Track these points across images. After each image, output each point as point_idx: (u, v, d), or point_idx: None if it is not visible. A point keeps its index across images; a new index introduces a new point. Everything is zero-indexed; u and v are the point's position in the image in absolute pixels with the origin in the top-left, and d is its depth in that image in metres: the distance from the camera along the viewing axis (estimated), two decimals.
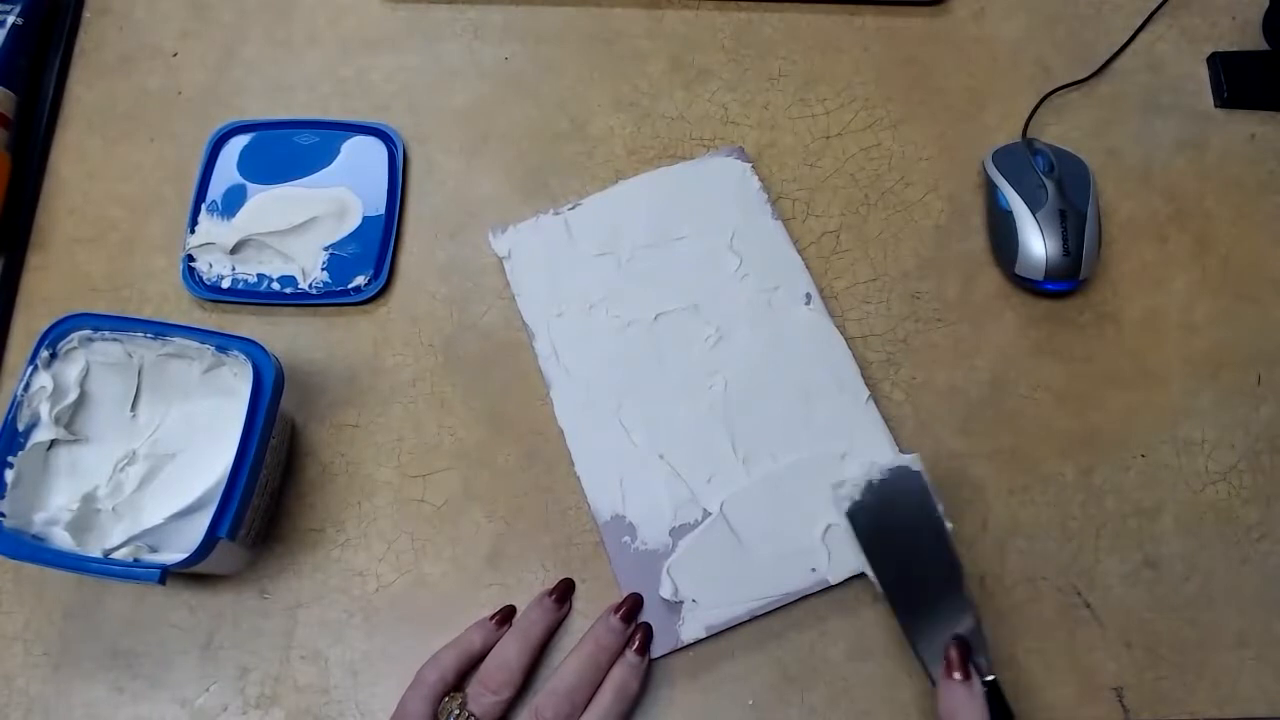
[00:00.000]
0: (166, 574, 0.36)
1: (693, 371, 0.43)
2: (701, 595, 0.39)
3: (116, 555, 0.38)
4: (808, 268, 0.45)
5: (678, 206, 0.46)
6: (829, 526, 0.40)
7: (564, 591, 0.40)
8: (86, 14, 0.53)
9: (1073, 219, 0.44)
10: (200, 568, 0.38)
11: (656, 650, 0.39)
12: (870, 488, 0.39)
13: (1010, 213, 0.45)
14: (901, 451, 0.42)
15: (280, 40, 0.52)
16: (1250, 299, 0.46)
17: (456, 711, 0.37)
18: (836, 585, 0.40)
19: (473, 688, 0.38)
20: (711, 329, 0.44)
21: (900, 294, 0.45)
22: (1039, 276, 0.44)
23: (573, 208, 0.46)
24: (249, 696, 0.40)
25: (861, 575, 0.39)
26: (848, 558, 0.40)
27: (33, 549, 0.37)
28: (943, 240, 0.47)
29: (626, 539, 0.40)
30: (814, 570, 0.40)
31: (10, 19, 0.50)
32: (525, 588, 0.41)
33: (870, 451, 0.41)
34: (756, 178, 0.47)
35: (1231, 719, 0.39)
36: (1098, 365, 0.44)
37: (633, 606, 0.39)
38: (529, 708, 0.37)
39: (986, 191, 0.47)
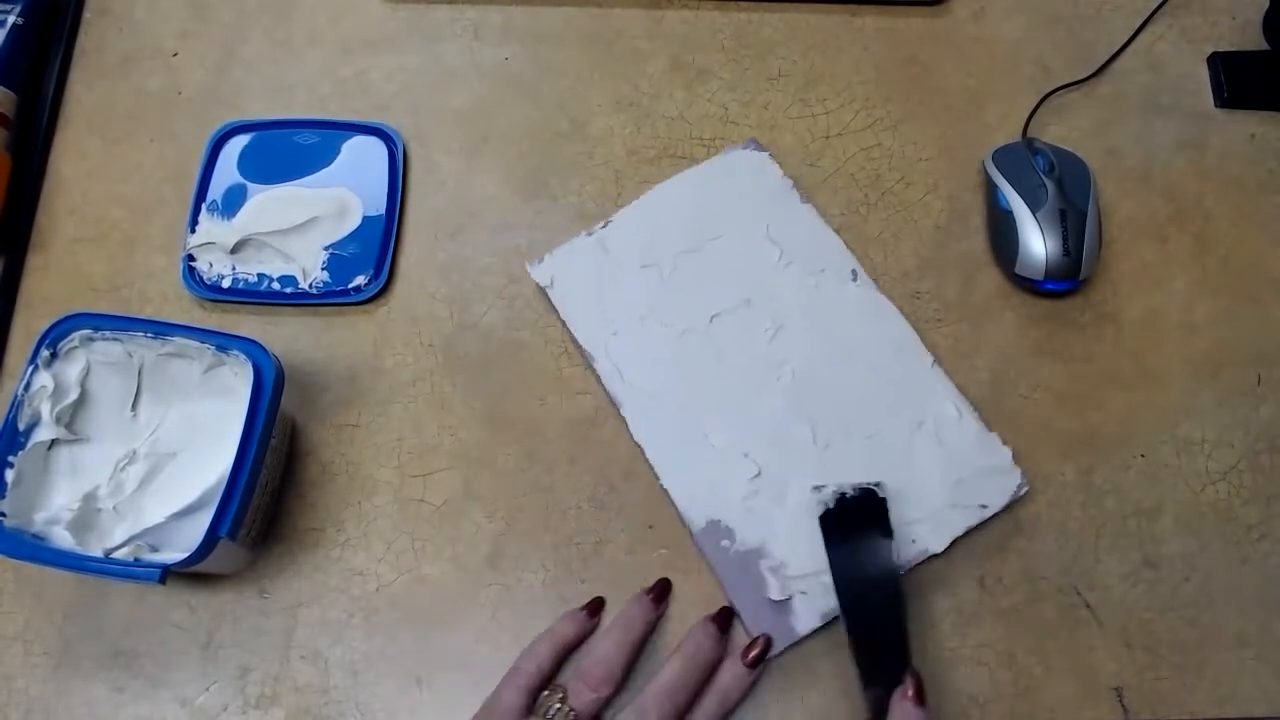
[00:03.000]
0: (167, 573, 0.36)
1: (757, 366, 0.43)
2: (809, 584, 0.39)
3: (117, 555, 0.38)
4: (846, 245, 0.45)
5: (707, 207, 0.46)
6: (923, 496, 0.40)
7: (661, 591, 0.40)
8: (87, 14, 0.53)
9: (1073, 219, 0.44)
10: (201, 567, 0.38)
11: (774, 649, 0.38)
12: (842, 500, 0.39)
13: (1010, 212, 0.45)
14: (976, 411, 0.42)
15: (280, 40, 0.52)
16: (1250, 299, 0.46)
17: (558, 706, 0.36)
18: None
19: (573, 683, 0.37)
20: (767, 321, 0.44)
21: (900, 294, 0.45)
22: (1039, 276, 0.44)
23: (604, 226, 0.46)
24: (249, 696, 0.40)
25: None
26: (947, 526, 0.40)
27: (33, 548, 0.37)
28: (943, 240, 0.47)
29: (725, 543, 0.40)
30: (914, 541, 0.40)
31: (10, 19, 0.50)
32: (525, 588, 0.41)
33: (943, 414, 0.42)
34: (777, 165, 0.47)
35: (1231, 719, 0.39)
36: (1098, 365, 0.44)
37: (725, 616, 0.39)
38: (634, 708, 0.36)
39: (986, 191, 0.47)
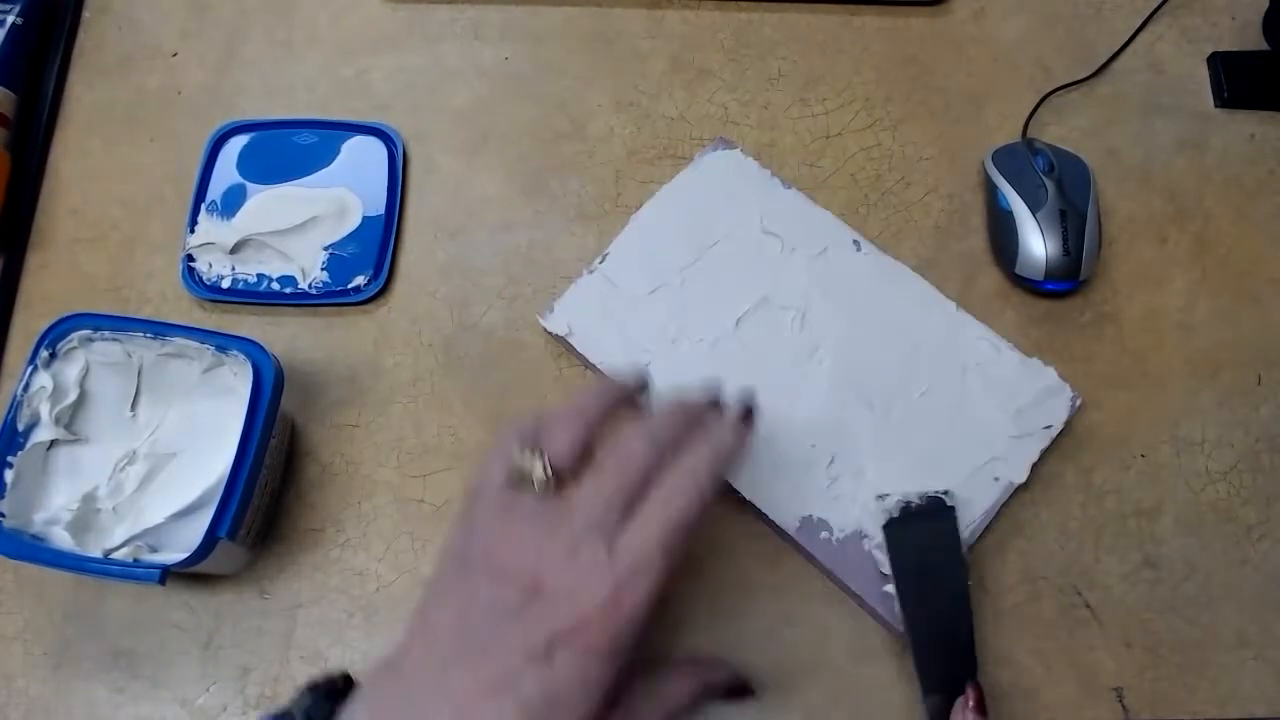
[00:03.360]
0: (166, 574, 0.36)
1: (794, 356, 0.43)
2: None
3: (116, 555, 0.38)
4: (840, 218, 0.46)
5: (697, 217, 0.46)
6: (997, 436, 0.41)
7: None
8: (86, 14, 0.53)
9: (1073, 219, 0.44)
10: (200, 568, 0.38)
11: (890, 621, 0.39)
12: (907, 509, 0.39)
13: (1010, 213, 0.45)
14: (1009, 341, 0.43)
15: (280, 40, 0.52)
16: (1251, 299, 0.46)
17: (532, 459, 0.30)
18: (838, 590, 0.40)
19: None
20: (791, 311, 0.44)
21: None
22: (1039, 276, 0.44)
23: (602, 261, 0.45)
24: (249, 696, 0.40)
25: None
26: (1022, 456, 0.41)
27: (33, 549, 0.37)
28: (943, 240, 0.47)
29: (824, 535, 0.40)
30: (997, 479, 0.41)
31: (10, 19, 0.50)
32: None
33: (982, 354, 0.43)
34: (750, 158, 0.47)
35: (1232, 719, 0.39)
36: (1098, 365, 0.44)
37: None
38: (591, 469, 0.30)
39: (986, 191, 0.47)
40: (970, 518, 0.40)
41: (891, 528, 0.39)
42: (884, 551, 0.39)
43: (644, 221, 0.46)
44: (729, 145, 0.48)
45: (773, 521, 0.41)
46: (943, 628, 0.38)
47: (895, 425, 0.42)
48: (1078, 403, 0.42)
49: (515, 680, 0.26)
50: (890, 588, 0.38)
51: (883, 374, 0.43)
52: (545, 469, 0.30)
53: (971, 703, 0.35)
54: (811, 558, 0.40)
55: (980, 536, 0.41)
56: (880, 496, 0.40)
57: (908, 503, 0.39)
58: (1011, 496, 0.41)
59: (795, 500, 0.41)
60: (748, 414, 0.34)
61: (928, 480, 0.40)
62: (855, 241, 0.45)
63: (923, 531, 0.39)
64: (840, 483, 0.41)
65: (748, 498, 0.41)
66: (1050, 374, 0.42)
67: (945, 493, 0.40)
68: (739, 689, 0.33)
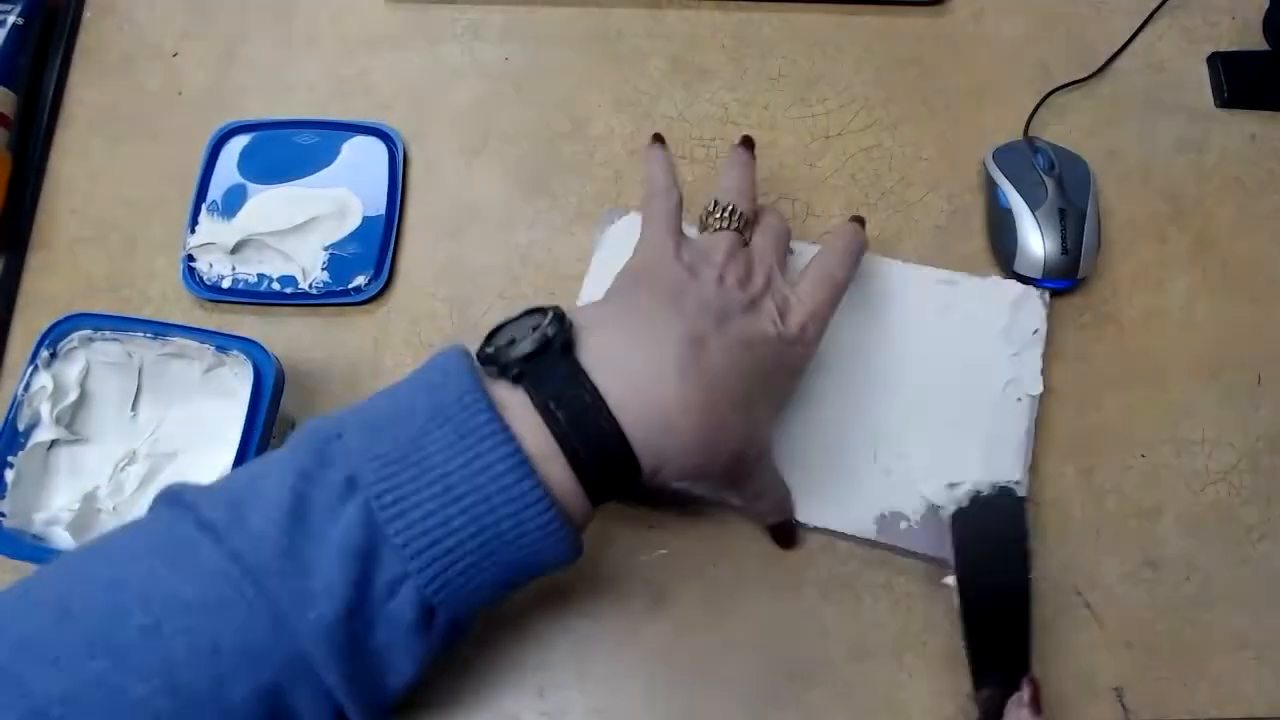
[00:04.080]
0: None
1: (821, 378, 0.42)
2: None
3: None
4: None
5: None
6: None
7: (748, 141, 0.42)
8: (87, 14, 0.54)
9: (1072, 217, 0.44)
10: None
11: None
12: (976, 499, 0.39)
13: (1009, 210, 0.45)
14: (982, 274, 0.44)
15: (281, 40, 0.52)
16: (1251, 299, 0.46)
17: (722, 215, 0.38)
18: (837, 588, 0.40)
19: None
20: None
21: None
22: (1037, 274, 0.44)
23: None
24: None
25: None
26: (1029, 366, 0.42)
27: (33, 549, 0.37)
28: (943, 240, 0.47)
29: (904, 524, 0.40)
30: (1020, 400, 0.42)
31: (11, 19, 0.51)
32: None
33: (951, 294, 0.44)
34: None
35: (1232, 719, 0.39)
36: (1097, 365, 0.44)
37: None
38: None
39: (987, 190, 0.47)
40: (1016, 445, 0.41)
41: (959, 517, 0.39)
42: (950, 539, 0.39)
43: (591, 289, 0.45)
44: (619, 212, 0.46)
45: (850, 536, 0.40)
46: (1002, 621, 0.38)
47: (912, 395, 0.42)
48: (1047, 299, 0.43)
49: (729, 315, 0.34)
50: (951, 579, 0.38)
51: (878, 353, 0.43)
52: (734, 207, 0.38)
53: (1028, 698, 0.35)
54: (907, 552, 0.40)
55: None
56: (951, 485, 0.40)
57: (977, 492, 0.39)
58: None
59: (860, 507, 0.40)
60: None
61: (963, 436, 0.41)
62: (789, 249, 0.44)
63: (990, 521, 0.39)
64: (893, 473, 0.41)
65: (816, 525, 0.40)
66: (1012, 284, 0.44)
67: (1016, 483, 0.40)
68: (784, 530, 0.40)
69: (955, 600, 0.38)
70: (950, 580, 0.38)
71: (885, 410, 0.42)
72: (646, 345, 0.32)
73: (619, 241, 0.45)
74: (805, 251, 0.44)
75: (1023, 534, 0.39)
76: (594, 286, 0.45)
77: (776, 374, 0.36)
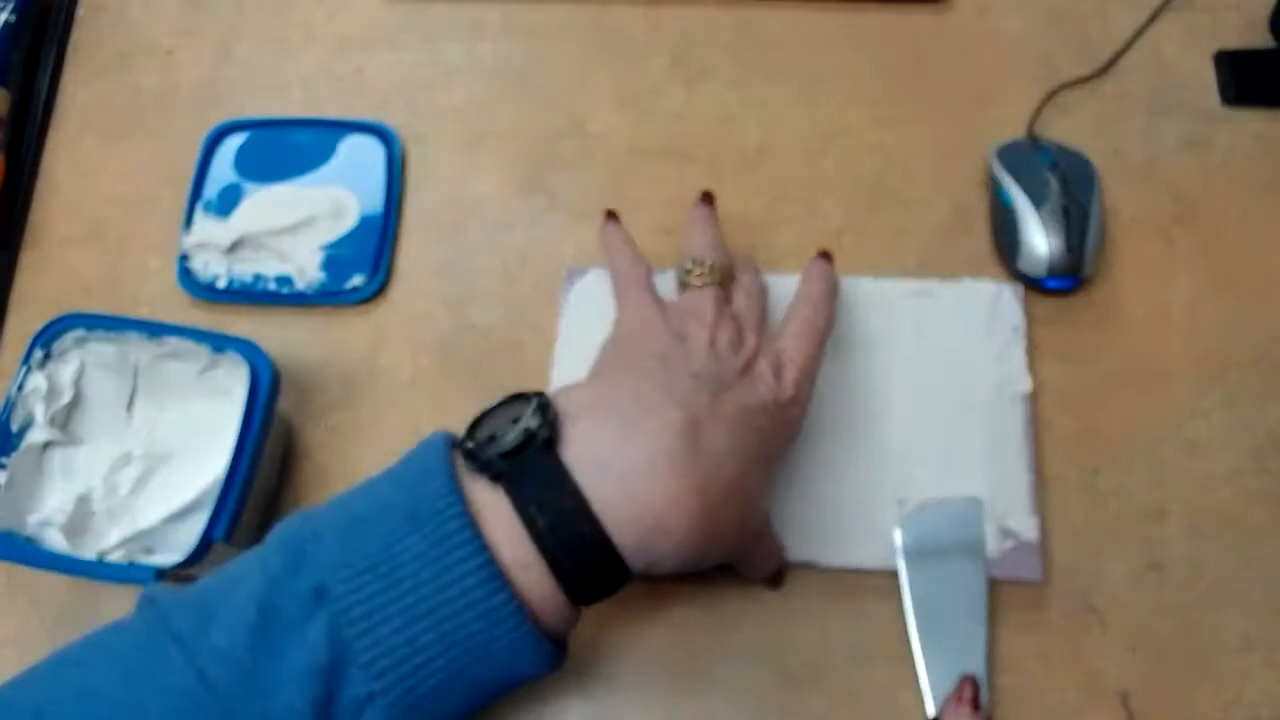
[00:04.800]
0: (161, 576, 0.36)
1: (805, 429, 0.40)
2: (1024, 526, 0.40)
3: (111, 557, 0.38)
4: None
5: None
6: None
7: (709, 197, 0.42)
8: (80, 11, 0.53)
9: (1076, 215, 0.44)
10: (196, 570, 0.37)
11: (1030, 572, 0.39)
12: (924, 509, 0.39)
13: (1013, 208, 0.44)
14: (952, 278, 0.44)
15: (276, 38, 0.52)
16: (1256, 298, 0.45)
17: (701, 270, 0.38)
18: (839, 591, 0.40)
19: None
20: None
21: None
22: (1040, 273, 0.44)
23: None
24: None
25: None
26: (1014, 362, 0.42)
27: (26, 551, 0.37)
28: (946, 239, 0.47)
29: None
30: (1012, 398, 0.42)
31: (3, 16, 0.50)
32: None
33: (925, 305, 0.43)
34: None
35: None
36: (1101, 365, 0.44)
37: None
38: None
39: (990, 188, 0.47)
40: (1017, 446, 0.41)
41: (909, 528, 0.39)
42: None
43: (564, 350, 0.44)
44: (581, 272, 0.45)
45: (875, 570, 0.40)
46: (953, 629, 0.37)
47: (905, 415, 0.41)
48: (1020, 292, 0.43)
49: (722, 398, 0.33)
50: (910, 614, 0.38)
51: (865, 379, 0.42)
52: (714, 263, 0.38)
53: (967, 696, 0.35)
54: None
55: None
56: (900, 501, 0.39)
57: (925, 505, 0.39)
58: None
59: (878, 539, 0.40)
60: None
61: (964, 446, 0.41)
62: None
63: (943, 532, 0.39)
64: (902, 497, 0.40)
65: (837, 566, 0.40)
66: (985, 285, 0.44)
67: (973, 499, 0.39)
68: (776, 576, 0.40)
69: (909, 603, 0.38)
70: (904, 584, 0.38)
71: (882, 436, 0.41)
72: (636, 438, 0.30)
73: (585, 302, 0.44)
74: (775, 283, 0.42)
75: (977, 540, 0.39)
76: (565, 351, 0.44)
77: (774, 440, 0.35)
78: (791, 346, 0.36)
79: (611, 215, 0.41)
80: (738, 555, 0.35)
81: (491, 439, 0.30)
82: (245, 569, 0.29)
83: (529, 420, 0.30)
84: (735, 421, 0.32)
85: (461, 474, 0.30)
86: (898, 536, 0.39)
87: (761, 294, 0.39)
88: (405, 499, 0.29)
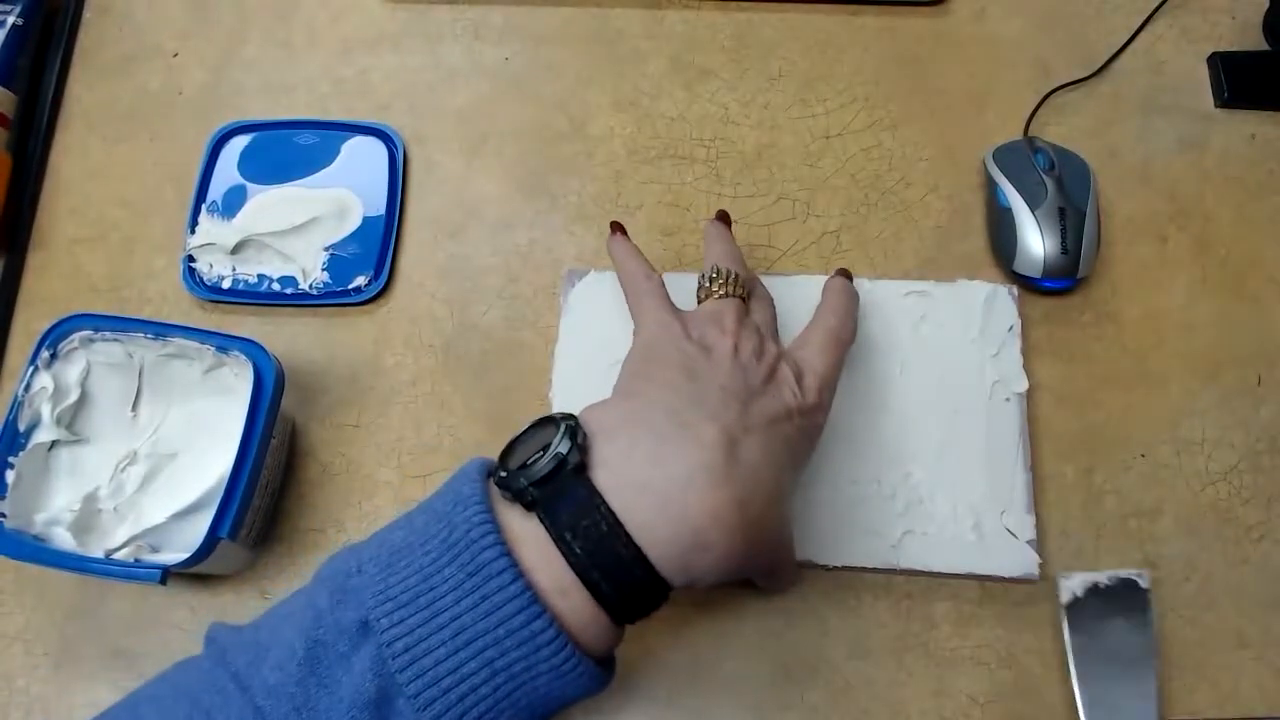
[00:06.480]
0: (167, 574, 0.36)
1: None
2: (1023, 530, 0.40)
3: (118, 555, 0.39)
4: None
5: (604, 338, 0.43)
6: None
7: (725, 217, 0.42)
8: (87, 14, 0.53)
9: (1072, 217, 0.44)
10: (201, 568, 0.38)
11: (1027, 570, 0.39)
12: (1095, 590, 0.39)
13: (1009, 210, 0.45)
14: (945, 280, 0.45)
15: (280, 40, 0.52)
16: (1251, 299, 0.46)
17: (724, 280, 0.38)
18: (837, 588, 0.40)
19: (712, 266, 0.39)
20: None
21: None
22: (1037, 274, 0.44)
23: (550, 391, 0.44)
24: None
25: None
26: (1010, 363, 0.43)
27: (34, 549, 0.37)
28: (943, 240, 0.47)
29: (919, 544, 0.40)
30: (1008, 399, 0.42)
31: (10, 19, 0.51)
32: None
33: (921, 304, 0.44)
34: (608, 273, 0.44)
35: (1231, 719, 0.39)
36: (1097, 365, 0.44)
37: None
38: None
39: (987, 189, 0.47)
40: (1012, 445, 0.41)
41: (1075, 608, 0.38)
42: (1068, 633, 0.38)
43: (564, 352, 0.44)
44: (581, 273, 0.45)
45: (874, 569, 0.40)
46: (1124, 706, 0.37)
47: (903, 415, 0.42)
48: (1015, 292, 0.44)
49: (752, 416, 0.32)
50: (1076, 683, 0.38)
51: (864, 380, 0.42)
52: (735, 274, 0.38)
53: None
54: (928, 574, 0.40)
55: None
56: (1064, 575, 0.39)
57: (1094, 584, 0.39)
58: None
59: (877, 539, 0.40)
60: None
61: (960, 445, 0.41)
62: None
63: (1108, 613, 0.38)
64: (900, 497, 0.40)
65: (837, 565, 0.40)
66: (979, 285, 0.44)
67: (1139, 574, 0.39)
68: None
69: (1079, 704, 0.37)
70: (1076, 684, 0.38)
71: (881, 437, 0.42)
72: (672, 456, 0.30)
73: (586, 303, 0.45)
74: (774, 285, 0.42)
75: (1144, 621, 0.38)
76: (566, 351, 0.44)
77: (800, 448, 0.35)
78: (814, 355, 0.36)
79: (617, 227, 0.41)
80: (773, 566, 0.35)
81: (524, 467, 0.30)
82: (294, 605, 0.30)
83: (559, 445, 0.30)
84: (766, 432, 0.32)
85: (496, 502, 0.30)
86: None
87: (772, 304, 0.40)
88: (442, 530, 0.29)
